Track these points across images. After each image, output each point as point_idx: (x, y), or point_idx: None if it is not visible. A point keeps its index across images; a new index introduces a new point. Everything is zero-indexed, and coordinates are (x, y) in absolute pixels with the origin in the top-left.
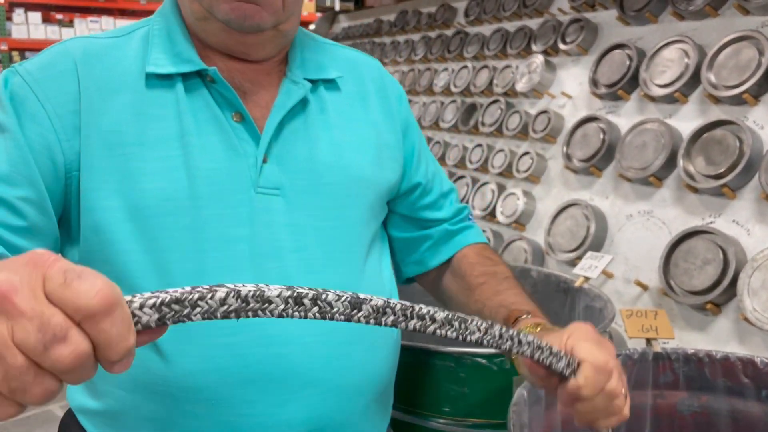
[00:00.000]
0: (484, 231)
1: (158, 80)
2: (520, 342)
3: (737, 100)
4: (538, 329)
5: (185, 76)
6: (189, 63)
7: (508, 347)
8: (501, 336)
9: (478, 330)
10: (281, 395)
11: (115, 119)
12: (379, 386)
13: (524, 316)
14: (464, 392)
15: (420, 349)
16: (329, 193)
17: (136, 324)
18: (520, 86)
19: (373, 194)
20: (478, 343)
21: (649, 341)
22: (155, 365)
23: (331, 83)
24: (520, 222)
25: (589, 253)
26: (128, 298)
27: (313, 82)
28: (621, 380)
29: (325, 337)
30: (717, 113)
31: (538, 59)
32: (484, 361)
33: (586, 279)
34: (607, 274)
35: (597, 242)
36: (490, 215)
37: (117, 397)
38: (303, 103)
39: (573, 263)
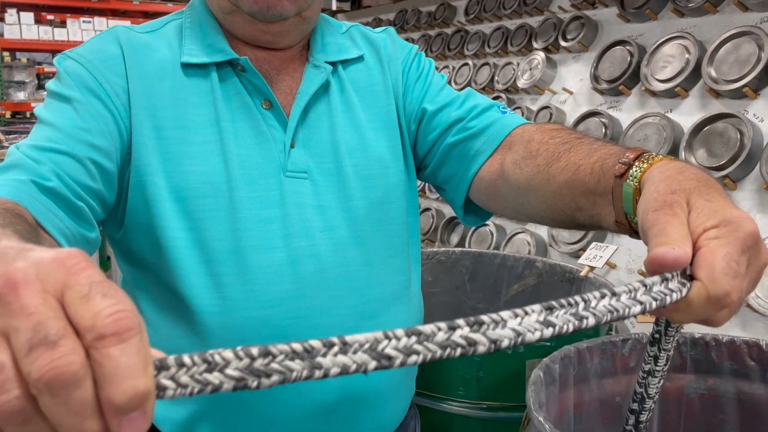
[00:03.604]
0: (486, 225)
1: (194, 70)
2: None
3: (737, 94)
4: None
5: (218, 66)
6: (221, 53)
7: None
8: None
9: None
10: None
11: (157, 104)
12: None
13: (645, 154)
14: (479, 375)
15: None
16: (352, 175)
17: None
18: (522, 83)
19: (393, 173)
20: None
21: None
22: None
23: (350, 63)
24: None
25: (593, 244)
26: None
27: (333, 64)
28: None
29: (351, 309)
30: (718, 107)
31: (539, 56)
32: None
33: (591, 268)
34: (610, 265)
35: (599, 234)
36: None
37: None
38: (325, 87)
39: (576, 255)
